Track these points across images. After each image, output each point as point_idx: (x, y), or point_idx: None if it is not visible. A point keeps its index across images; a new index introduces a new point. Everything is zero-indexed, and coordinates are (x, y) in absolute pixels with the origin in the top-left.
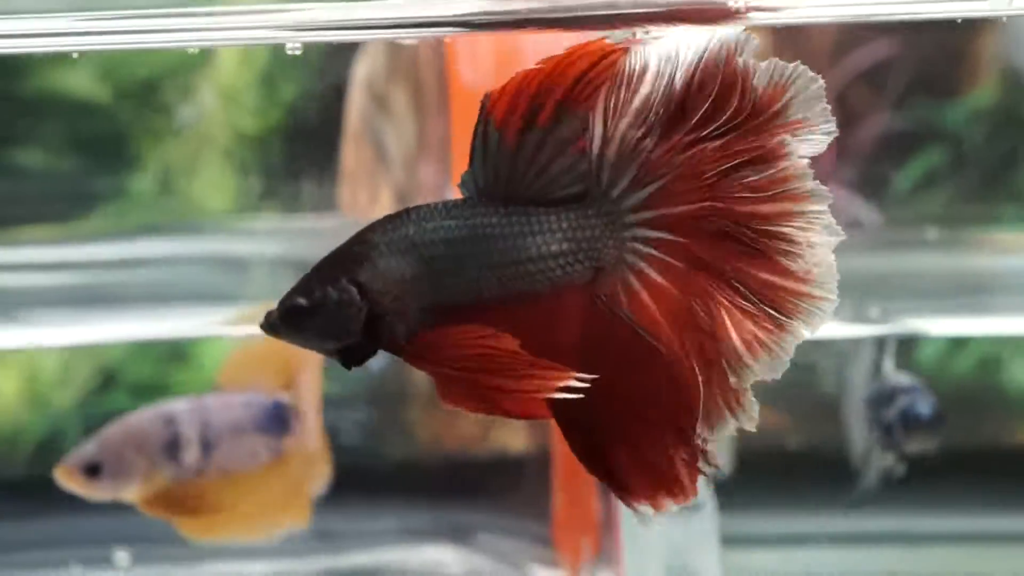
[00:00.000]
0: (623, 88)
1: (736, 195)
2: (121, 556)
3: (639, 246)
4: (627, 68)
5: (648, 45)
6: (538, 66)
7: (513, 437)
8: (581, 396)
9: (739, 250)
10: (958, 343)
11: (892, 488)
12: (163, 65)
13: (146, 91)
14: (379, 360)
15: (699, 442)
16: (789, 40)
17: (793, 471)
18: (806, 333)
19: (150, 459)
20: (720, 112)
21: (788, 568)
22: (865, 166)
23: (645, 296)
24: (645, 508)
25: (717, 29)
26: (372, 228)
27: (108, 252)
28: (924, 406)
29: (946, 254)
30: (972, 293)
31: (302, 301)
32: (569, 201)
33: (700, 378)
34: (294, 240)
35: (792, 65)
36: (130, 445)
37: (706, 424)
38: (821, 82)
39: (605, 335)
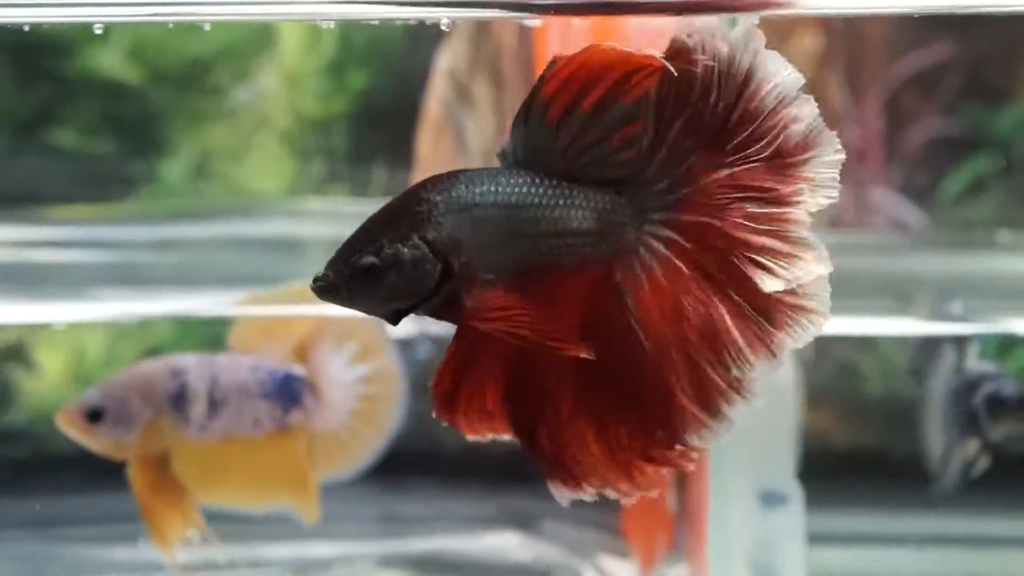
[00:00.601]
0: (676, 92)
1: (737, 220)
2: (191, 535)
3: (654, 242)
4: (676, 71)
5: (709, 53)
6: (595, 52)
7: None
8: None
9: (733, 268)
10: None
11: (974, 488)
12: (217, 48)
13: (195, 74)
14: (425, 349)
15: (667, 438)
16: (844, 41)
17: (873, 469)
18: (800, 338)
19: (155, 408)
20: (757, 143)
21: (869, 567)
22: (914, 169)
23: (648, 289)
24: (583, 492)
25: (776, 63)
26: (424, 187)
27: (148, 234)
28: (1011, 389)
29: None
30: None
31: (373, 260)
32: (607, 186)
33: (686, 375)
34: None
35: (830, 131)
36: (135, 392)
37: (705, 408)
38: (842, 154)
39: (604, 320)
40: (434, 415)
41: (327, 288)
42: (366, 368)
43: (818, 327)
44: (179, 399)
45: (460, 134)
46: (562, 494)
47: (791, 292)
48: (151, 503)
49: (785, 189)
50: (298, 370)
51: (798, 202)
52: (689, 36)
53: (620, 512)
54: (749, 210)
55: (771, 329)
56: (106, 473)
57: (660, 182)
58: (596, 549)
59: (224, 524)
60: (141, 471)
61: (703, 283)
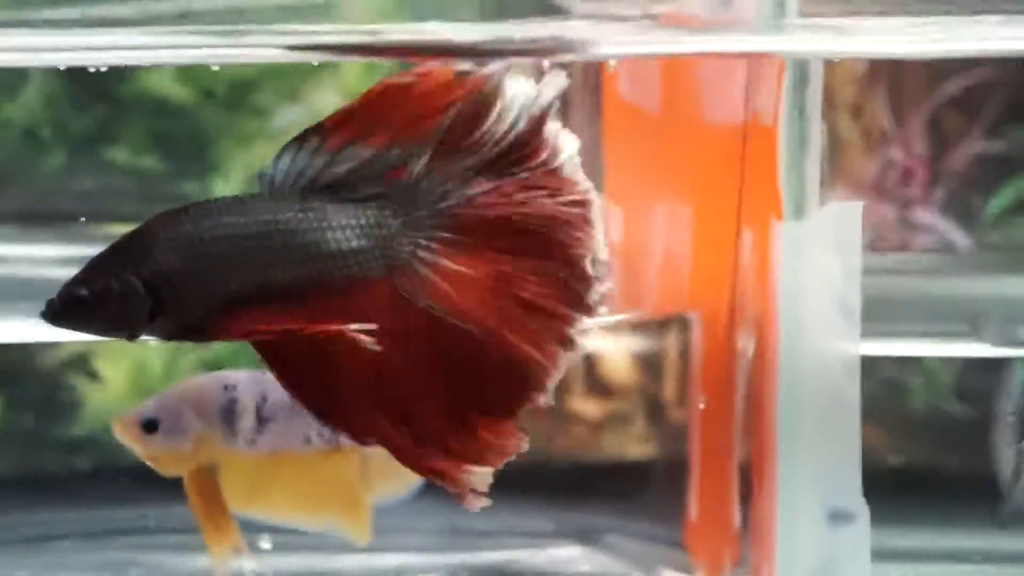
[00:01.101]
0: (456, 123)
1: (518, 208)
2: (265, 542)
3: (434, 243)
4: (465, 104)
5: (491, 82)
6: (383, 87)
7: (629, 442)
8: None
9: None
10: None
11: None
12: (263, 68)
13: (241, 93)
14: None
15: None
16: (888, 62)
17: (942, 486)
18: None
19: (206, 421)
20: (528, 161)
21: None
22: (959, 190)
23: (446, 284)
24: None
25: (540, 88)
26: (152, 222)
27: None
28: None
29: None
30: None
31: (84, 291)
32: (367, 203)
33: (523, 340)
34: None
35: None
36: (188, 405)
37: (578, 307)
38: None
39: (413, 325)
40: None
41: (49, 313)
42: None
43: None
44: (229, 413)
45: None
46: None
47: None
48: (205, 514)
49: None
50: None
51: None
52: (467, 71)
53: (686, 527)
54: (529, 195)
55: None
56: (171, 483)
57: (432, 193)
58: (660, 564)
59: (290, 534)
60: (194, 482)
61: (496, 256)
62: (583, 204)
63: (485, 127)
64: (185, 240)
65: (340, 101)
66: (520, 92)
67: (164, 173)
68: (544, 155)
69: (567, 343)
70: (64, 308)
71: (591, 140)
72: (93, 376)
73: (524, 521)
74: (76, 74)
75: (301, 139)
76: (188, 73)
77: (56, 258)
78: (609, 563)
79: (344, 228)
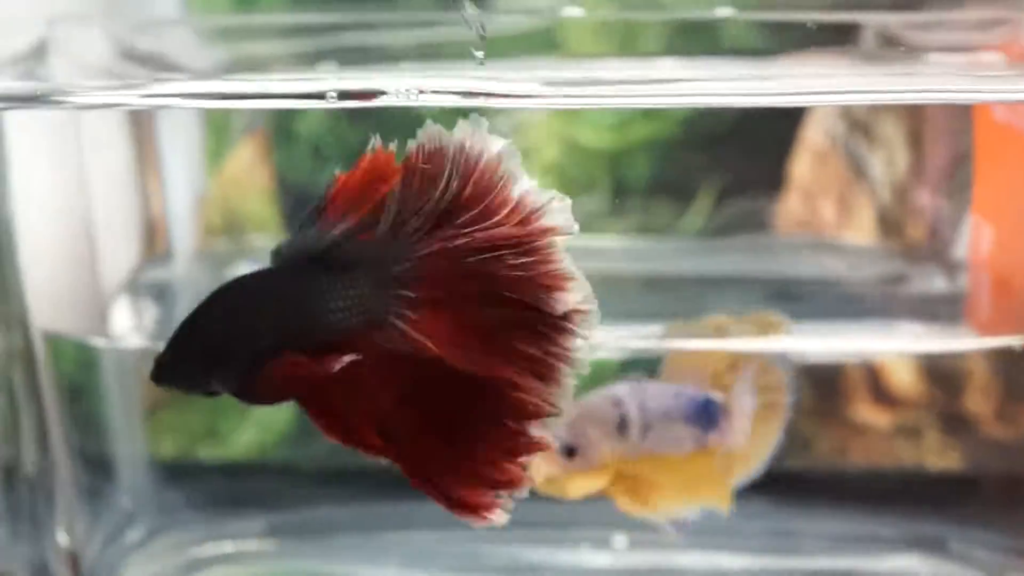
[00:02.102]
0: (417, 182)
1: (491, 268)
2: (619, 540)
3: (402, 301)
4: (410, 166)
5: (443, 141)
6: (351, 178)
7: (929, 453)
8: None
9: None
10: None
11: None
12: None
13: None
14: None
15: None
16: None
17: None
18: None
19: (608, 438)
20: (487, 217)
21: None
22: None
23: (424, 338)
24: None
25: (487, 140)
26: (215, 291)
27: None
28: None
29: None
30: None
31: (164, 358)
32: (352, 269)
33: (510, 369)
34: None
35: (547, 193)
36: (593, 426)
37: (549, 382)
38: (568, 203)
39: (406, 375)
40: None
41: (152, 377)
42: (763, 390)
43: (595, 321)
44: (622, 427)
45: (859, 165)
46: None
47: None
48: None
49: (531, 238)
50: (715, 396)
51: (548, 244)
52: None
53: None
54: (502, 259)
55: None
56: None
57: (402, 253)
58: (1011, 573)
59: (650, 532)
60: (620, 490)
61: (467, 307)
62: (538, 231)
63: (429, 187)
64: (222, 307)
65: (549, 117)
66: (450, 150)
67: None
68: (503, 212)
69: (550, 376)
70: (156, 373)
71: (957, 155)
72: None
73: (860, 527)
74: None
75: (310, 219)
76: None
77: None
78: (956, 572)
79: (329, 292)
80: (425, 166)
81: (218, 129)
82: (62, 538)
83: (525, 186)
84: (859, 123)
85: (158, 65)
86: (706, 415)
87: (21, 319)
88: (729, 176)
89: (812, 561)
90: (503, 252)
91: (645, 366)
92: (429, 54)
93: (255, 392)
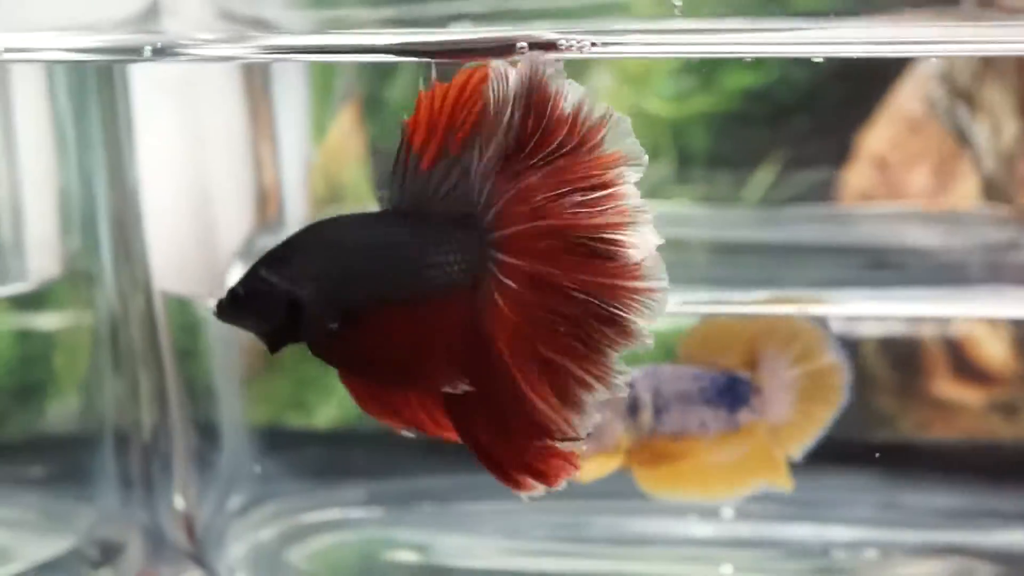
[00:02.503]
0: (480, 120)
1: (568, 212)
2: (726, 511)
3: (501, 263)
4: (483, 100)
5: (496, 72)
6: (444, 94)
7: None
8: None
9: (574, 261)
10: None
11: None
12: None
13: None
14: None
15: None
16: None
17: None
18: (648, 321)
19: (620, 419)
20: (545, 142)
21: None
22: None
23: (504, 308)
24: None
25: (527, 55)
26: (301, 230)
27: None
28: None
29: None
30: None
31: (240, 290)
32: (459, 219)
33: (549, 381)
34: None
35: (601, 105)
36: (606, 409)
37: (576, 401)
38: (628, 120)
39: (474, 342)
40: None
41: (218, 310)
42: (808, 365)
43: (663, 304)
44: (632, 409)
45: (963, 133)
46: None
47: (631, 275)
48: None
49: (603, 175)
50: (742, 375)
51: (620, 182)
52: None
53: None
54: (574, 199)
55: (623, 315)
56: None
57: (490, 206)
58: None
59: (758, 503)
60: (643, 471)
61: (550, 290)
62: (620, 209)
63: (489, 120)
64: (320, 247)
65: (617, 84)
66: (504, 79)
67: None
68: (564, 138)
69: (595, 386)
70: (227, 305)
71: None
72: None
73: (970, 501)
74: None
75: (403, 164)
76: None
77: None
78: None
79: (439, 244)
80: (491, 97)
81: (322, 98)
82: (179, 502)
83: (580, 101)
84: (962, 91)
85: (259, 27)
86: (731, 395)
87: (144, 282)
88: (794, 147)
89: (921, 535)
90: (572, 191)
91: None
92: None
93: (332, 351)
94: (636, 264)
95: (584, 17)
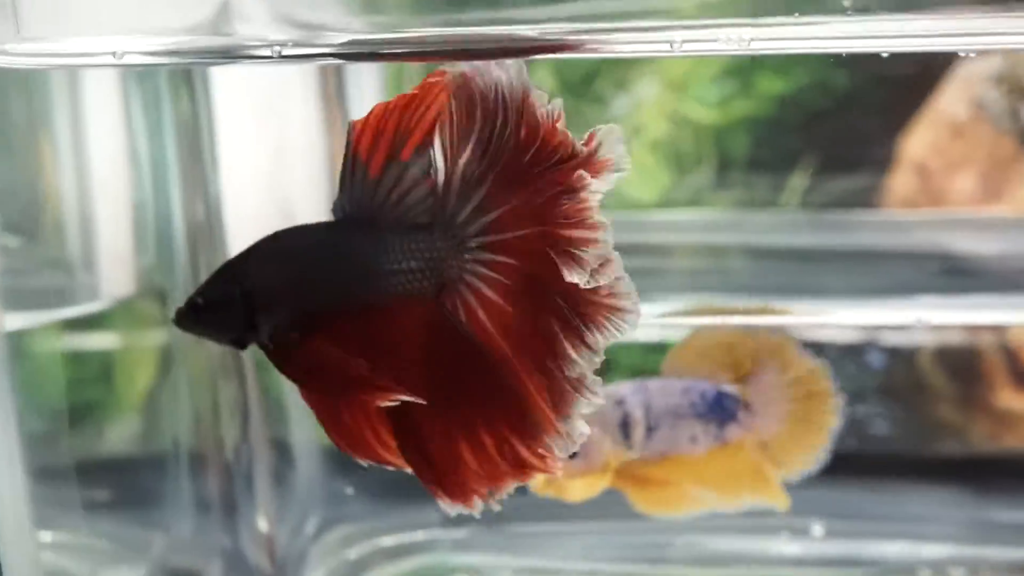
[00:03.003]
0: (458, 123)
1: (556, 221)
2: (816, 528)
3: (477, 267)
4: (458, 103)
5: (472, 80)
6: (396, 100)
7: None
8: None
9: (552, 274)
10: None
11: None
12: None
13: (588, 82)
14: (880, 357)
15: (527, 443)
16: None
17: None
18: (618, 336)
19: (611, 437)
20: (546, 153)
21: None
22: None
23: (480, 311)
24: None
25: (510, 63)
26: (260, 240)
27: None
28: None
29: None
30: None
31: (199, 300)
32: (421, 227)
33: (536, 379)
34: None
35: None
36: (594, 427)
37: (557, 413)
38: (619, 129)
39: (445, 345)
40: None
41: (177, 319)
42: (794, 375)
43: (633, 325)
44: (624, 427)
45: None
46: (450, 507)
47: (606, 294)
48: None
49: (581, 183)
50: (730, 388)
51: (584, 186)
52: (463, 70)
53: None
54: (556, 209)
55: (592, 330)
56: None
57: (464, 209)
58: None
59: (849, 521)
60: (626, 487)
61: (529, 296)
62: (589, 224)
63: (477, 125)
64: (275, 256)
65: (663, 90)
66: (492, 82)
67: None
68: (551, 146)
69: (578, 387)
70: (185, 314)
71: None
72: None
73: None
74: None
75: (350, 169)
76: (561, 62)
77: None
78: None
79: (397, 251)
80: (470, 99)
81: None
82: (262, 523)
83: (557, 109)
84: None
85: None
86: (720, 408)
87: None
88: (835, 152)
89: (1013, 552)
90: (559, 196)
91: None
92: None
93: (287, 359)
94: (609, 284)
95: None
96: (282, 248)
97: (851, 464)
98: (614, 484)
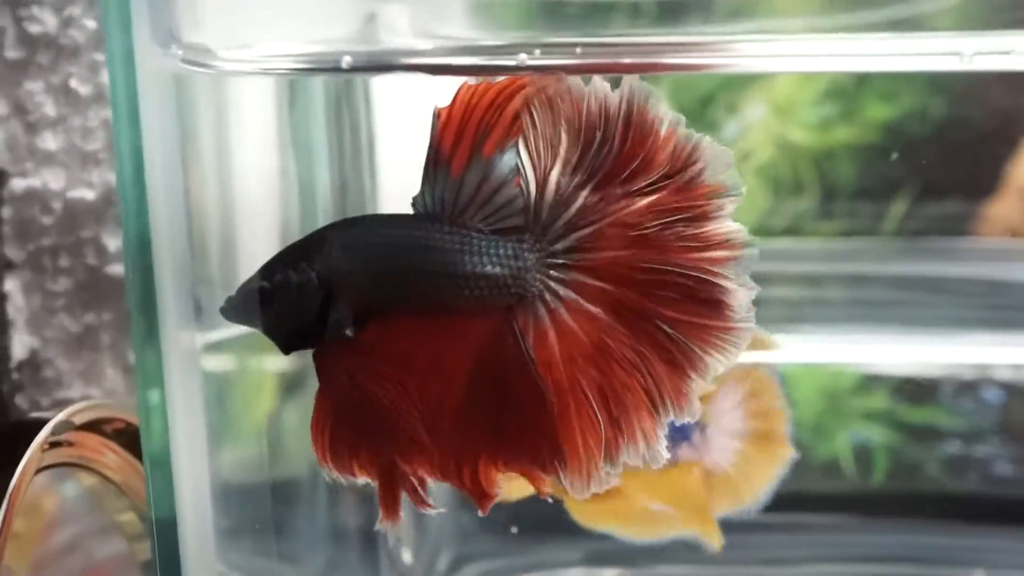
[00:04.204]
0: (543, 130)
1: (670, 245)
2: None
3: (560, 287)
4: (542, 110)
5: (565, 89)
6: (478, 94)
7: None
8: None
9: (665, 295)
10: None
11: None
12: (719, 81)
13: (704, 106)
14: (998, 393)
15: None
16: None
17: None
18: (722, 367)
19: None
20: (649, 168)
21: None
22: None
23: (552, 334)
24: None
25: (626, 78)
26: (331, 226)
27: None
28: None
29: None
30: None
31: (264, 283)
32: (507, 231)
33: (600, 417)
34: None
35: (698, 135)
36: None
37: (609, 457)
38: (730, 152)
39: (501, 361)
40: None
41: (228, 310)
42: (753, 408)
43: (742, 346)
44: None
45: None
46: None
47: (722, 315)
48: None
49: (698, 202)
50: None
51: (717, 211)
52: (552, 76)
53: None
54: (671, 231)
55: (699, 354)
56: None
57: (556, 223)
58: None
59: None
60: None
61: (623, 318)
62: (727, 244)
63: (565, 135)
64: (354, 243)
65: (768, 114)
66: (596, 92)
67: None
68: (666, 165)
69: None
70: (244, 301)
71: None
72: None
73: None
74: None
75: (432, 165)
76: (680, 85)
77: None
78: None
79: (482, 254)
80: (556, 106)
81: None
82: (406, 556)
83: (684, 137)
84: None
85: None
86: (675, 428)
87: None
88: (936, 180)
89: None
90: (675, 222)
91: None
92: None
93: (339, 359)
94: (729, 307)
95: None
96: (360, 236)
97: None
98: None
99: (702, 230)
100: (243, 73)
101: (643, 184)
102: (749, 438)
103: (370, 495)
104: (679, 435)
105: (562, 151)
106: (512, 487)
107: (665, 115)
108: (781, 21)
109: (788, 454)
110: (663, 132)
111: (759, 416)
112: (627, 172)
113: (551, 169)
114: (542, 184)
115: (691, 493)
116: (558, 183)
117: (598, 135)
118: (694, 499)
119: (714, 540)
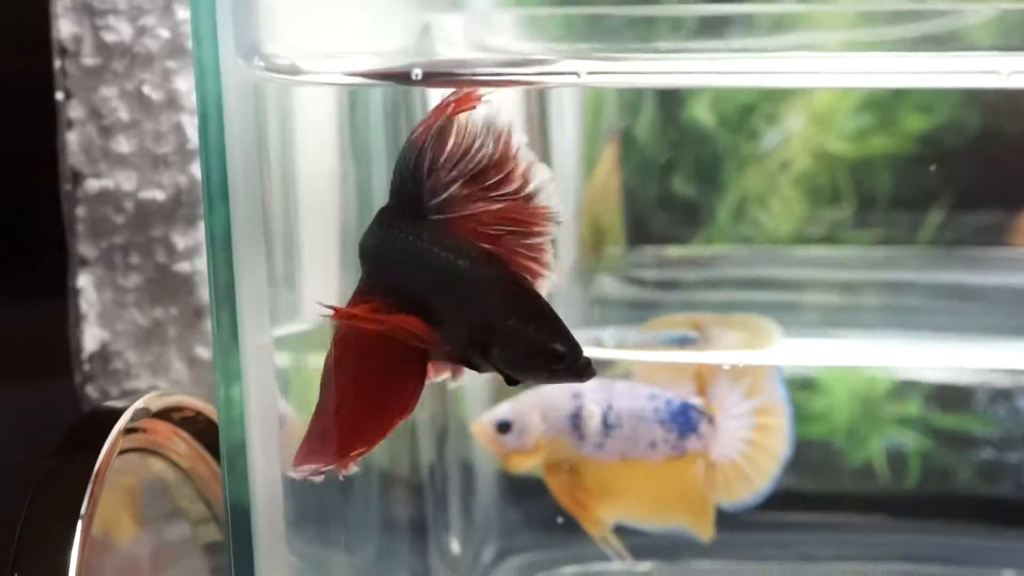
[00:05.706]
0: (441, 137)
1: (509, 247)
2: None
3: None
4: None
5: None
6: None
7: None
8: None
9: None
10: None
11: None
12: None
13: (744, 117)
14: None
15: None
16: None
17: None
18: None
19: (555, 426)
20: (507, 181)
21: None
22: None
23: None
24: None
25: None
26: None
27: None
28: None
29: None
30: None
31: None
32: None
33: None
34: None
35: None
36: (537, 410)
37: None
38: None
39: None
40: None
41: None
42: (758, 402)
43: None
44: (576, 419)
45: None
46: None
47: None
48: (571, 507)
49: (537, 220)
50: (696, 401)
51: (548, 233)
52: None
53: None
54: (512, 238)
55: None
56: None
57: (427, 204)
58: None
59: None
60: (553, 480)
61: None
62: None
63: (453, 142)
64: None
65: (807, 124)
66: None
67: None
68: (517, 183)
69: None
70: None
71: None
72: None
73: None
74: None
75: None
76: (720, 95)
77: None
78: None
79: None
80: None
81: (592, 133)
82: (455, 546)
83: (532, 163)
84: None
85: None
86: (683, 418)
87: None
88: (971, 190)
89: None
90: (511, 228)
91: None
92: None
93: None
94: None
95: None
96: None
97: None
98: (548, 475)
99: (533, 242)
100: (323, 84)
101: (500, 192)
102: (754, 429)
103: (419, 487)
104: (687, 426)
105: (446, 149)
106: (510, 461)
107: (521, 137)
108: (820, 35)
109: (788, 449)
110: (521, 151)
111: (761, 412)
112: (492, 180)
113: (438, 159)
114: (428, 170)
115: (693, 485)
116: (439, 173)
117: (477, 142)
118: (695, 492)
119: (707, 533)
